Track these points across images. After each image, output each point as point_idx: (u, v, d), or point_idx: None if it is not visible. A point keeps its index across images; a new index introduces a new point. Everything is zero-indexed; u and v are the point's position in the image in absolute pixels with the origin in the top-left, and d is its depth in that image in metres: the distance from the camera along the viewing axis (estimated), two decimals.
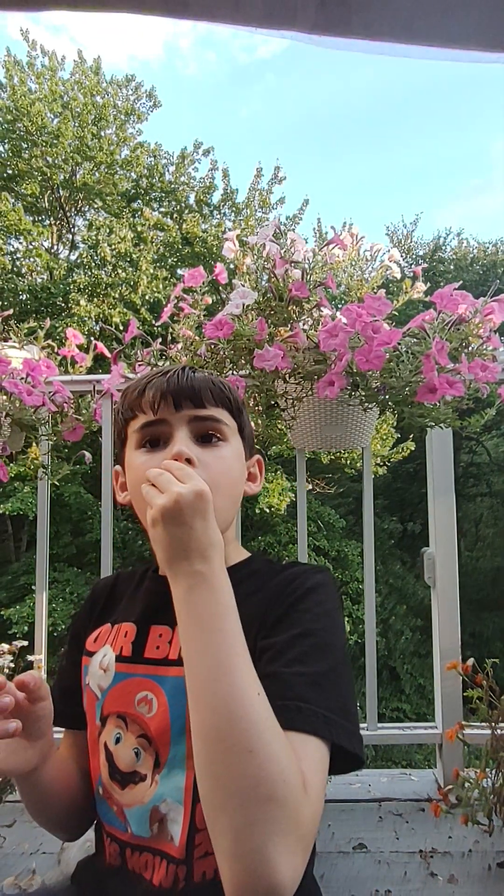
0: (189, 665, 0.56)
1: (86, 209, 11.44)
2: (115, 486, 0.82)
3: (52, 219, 11.16)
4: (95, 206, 10.88)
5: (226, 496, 0.71)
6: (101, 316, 8.68)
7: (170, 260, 10.35)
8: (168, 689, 0.68)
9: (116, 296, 8.96)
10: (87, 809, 0.76)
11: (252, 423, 0.85)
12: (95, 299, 8.88)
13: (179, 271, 10.09)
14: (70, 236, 11.48)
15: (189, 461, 0.67)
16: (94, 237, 9.61)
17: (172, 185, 10.98)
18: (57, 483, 1.55)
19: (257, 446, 0.99)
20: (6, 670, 1.33)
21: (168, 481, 0.60)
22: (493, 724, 1.18)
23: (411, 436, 8.28)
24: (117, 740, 0.71)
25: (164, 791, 0.67)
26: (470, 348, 1.19)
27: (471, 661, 1.26)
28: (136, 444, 0.74)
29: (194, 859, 0.64)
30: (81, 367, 1.50)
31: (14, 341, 1.48)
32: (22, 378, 1.30)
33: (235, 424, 0.77)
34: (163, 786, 0.67)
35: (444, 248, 14.20)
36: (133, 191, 11.10)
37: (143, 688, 0.70)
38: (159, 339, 1.39)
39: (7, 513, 7.47)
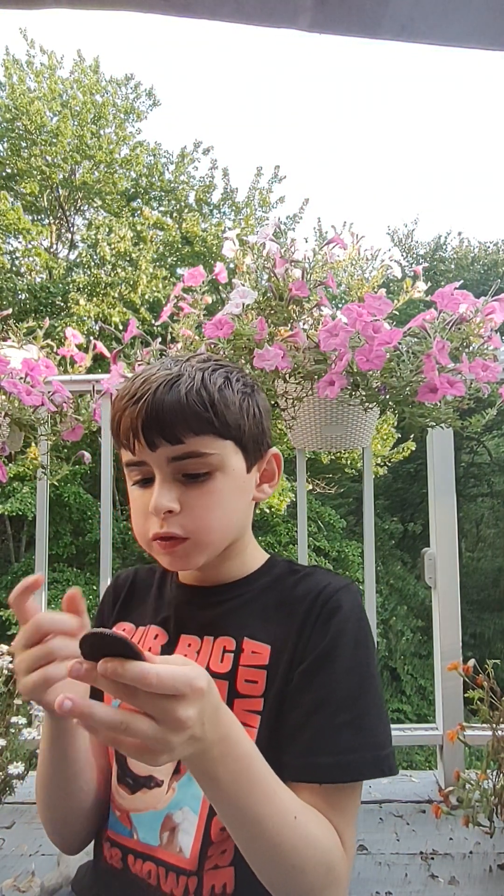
0: (226, 812, 0.54)
1: (85, 208, 11.44)
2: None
3: (51, 218, 11.16)
4: (95, 205, 10.86)
5: (217, 531, 0.69)
6: (100, 315, 8.66)
7: (169, 259, 10.34)
8: None
9: (116, 295, 8.95)
10: (99, 811, 0.72)
11: (263, 412, 0.74)
12: (95, 299, 8.86)
13: (179, 270, 10.08)
14: (69, 235, 11.47)
15: (171, 512, 0.65)
16: (93, 236, 9.60)
17: (172, 184, 10.97)
18: (56, 483, 1.55)
19: None
20: (6, 671, 1.33)
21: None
22: (494, 725, 1.18)
23: (412, 436, 8.26)
24: None
25: (182, 798, 0.65)
26: (471, 348, 1.19)
27: (472, 662, 1.26)
28: (130, 478, 0.71)
29: (205, 871, 0.63)
30: (81, 366, 1.49)
31: (13, 341, 1.48)
32: (21, 378, 1.30)
33: (229, 442, 0.69)
34: (181, 793, 0.65)
35: (444, 247, 14.19)
36: (132, 190, 11.09)
37: None
38: (159, 339, 1.39)
39: (6, 513, 7.47)
